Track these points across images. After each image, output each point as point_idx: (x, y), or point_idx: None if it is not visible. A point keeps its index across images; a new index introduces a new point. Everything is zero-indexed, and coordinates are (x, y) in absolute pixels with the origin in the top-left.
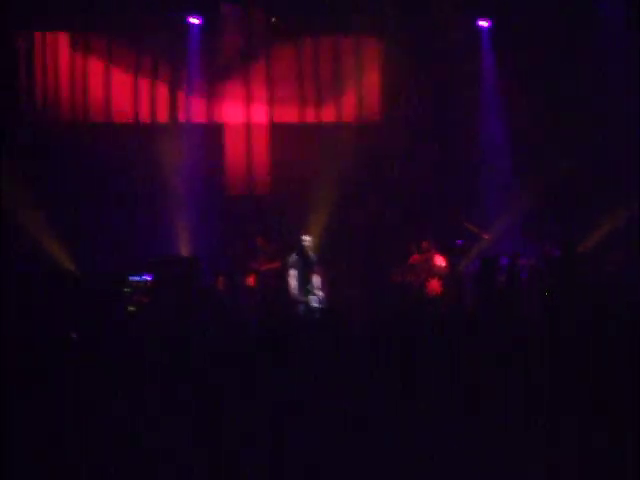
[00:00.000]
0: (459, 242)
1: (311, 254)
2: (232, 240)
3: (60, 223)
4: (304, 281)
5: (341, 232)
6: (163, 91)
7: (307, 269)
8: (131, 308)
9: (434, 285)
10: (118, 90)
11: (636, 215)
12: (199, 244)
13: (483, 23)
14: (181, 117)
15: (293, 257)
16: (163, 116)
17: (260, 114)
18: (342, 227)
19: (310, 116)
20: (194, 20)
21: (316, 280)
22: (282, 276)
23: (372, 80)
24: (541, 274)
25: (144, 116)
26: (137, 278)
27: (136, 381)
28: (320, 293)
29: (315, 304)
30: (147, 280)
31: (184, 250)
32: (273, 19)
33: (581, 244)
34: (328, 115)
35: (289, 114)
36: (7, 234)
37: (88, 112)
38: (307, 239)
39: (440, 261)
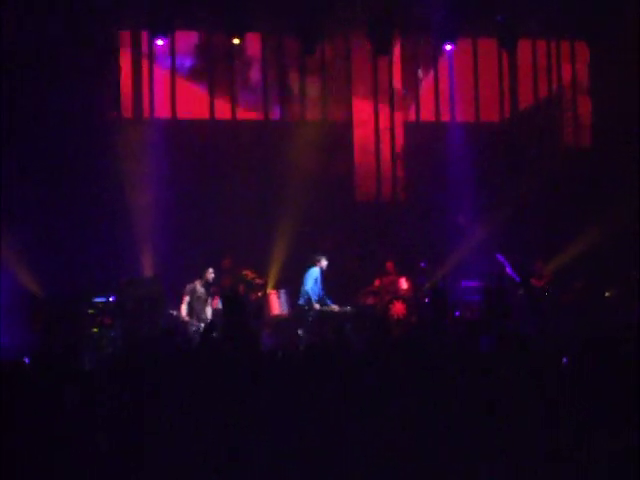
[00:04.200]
0: (422, 264)
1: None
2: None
3: (24, 242)
4: (198, 308)
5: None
6: None
7: (203, 298)
8: (94, 329)
9: (398, 308)
10: None
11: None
12: (166, 263)
13: None
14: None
15: (191, 285)
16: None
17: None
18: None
19: None
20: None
21: (208, 310)
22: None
23: None
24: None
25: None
26: (101, 299)
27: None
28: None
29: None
30: (111, 301)
31: (148, 270)
32: None
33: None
34: None
35: None
36: None
37: None
38: None
39: (404, 284)
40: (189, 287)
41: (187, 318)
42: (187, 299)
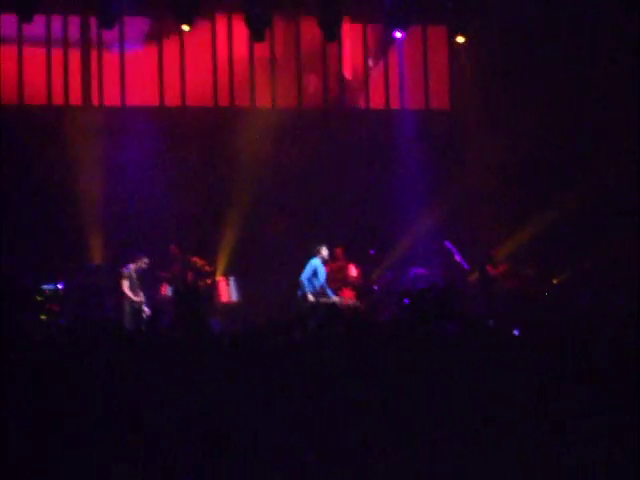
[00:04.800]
0: (372, 252)
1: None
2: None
3: None
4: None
5: (253, 242)
6: None
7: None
8: (43, 316)
9: (347, 294)
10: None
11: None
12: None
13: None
14: None
15: (127, 271)
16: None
17: None
18: (255, 237)
19: None
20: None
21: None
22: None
23: None
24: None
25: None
26: (49, 287)
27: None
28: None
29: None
30: (59, 288)
31: (97, 258)
32: None
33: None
34: None
35: None
36: None
37: None
38: None
39: (353, 271)
40: (125, 273)
41: (137, 298)
42: (127, 284)
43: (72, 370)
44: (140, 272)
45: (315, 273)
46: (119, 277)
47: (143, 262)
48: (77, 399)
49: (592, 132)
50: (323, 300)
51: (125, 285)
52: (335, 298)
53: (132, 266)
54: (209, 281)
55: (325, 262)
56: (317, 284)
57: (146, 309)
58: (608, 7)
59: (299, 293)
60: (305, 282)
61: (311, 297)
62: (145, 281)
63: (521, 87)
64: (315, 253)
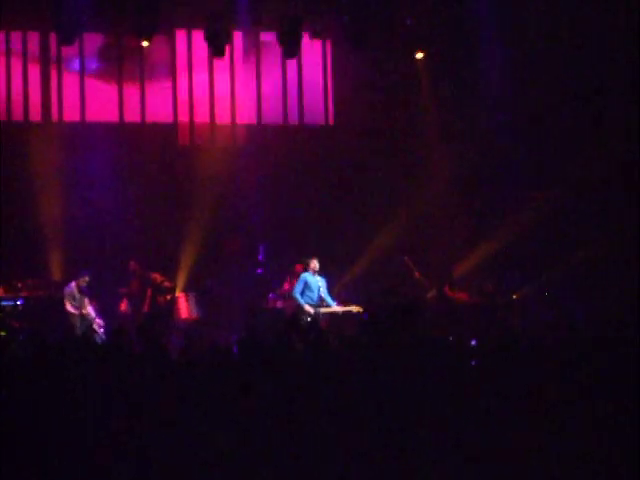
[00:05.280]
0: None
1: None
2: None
3: None
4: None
5: (217, 258)
6: None
7: (82, 298)
8: (2, 332)
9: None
10: None
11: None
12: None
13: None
14: None
15: (69, 290)
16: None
17: None
18: (218, 252)
19: None
20: None
21: (92, 310)
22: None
23: None
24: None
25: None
26: (9, 303)
27: None
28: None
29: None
30: (18, 304)
31: (56, 274)
32: None
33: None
34: None
35: None
36: None
37: None
38: None
39: None
40: (67, 291)
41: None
42: (69, 302)
43: (34, 387)
44: (84, 290)
45: (307, 285)
46: (62, 296)
47: (84, 280)
48: (39, 416)
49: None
50: (323, 310)
51: (68, 304)
52: (336, 307)
53: (74, 284)
54: (169, 297)
55: (316, 273)
56: (313, 296)
57: (97, 324)
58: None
59: (296, 307)
60: (297, 296)
61: (309, 308)
62: (102, 297)
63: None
64: (305, 266)
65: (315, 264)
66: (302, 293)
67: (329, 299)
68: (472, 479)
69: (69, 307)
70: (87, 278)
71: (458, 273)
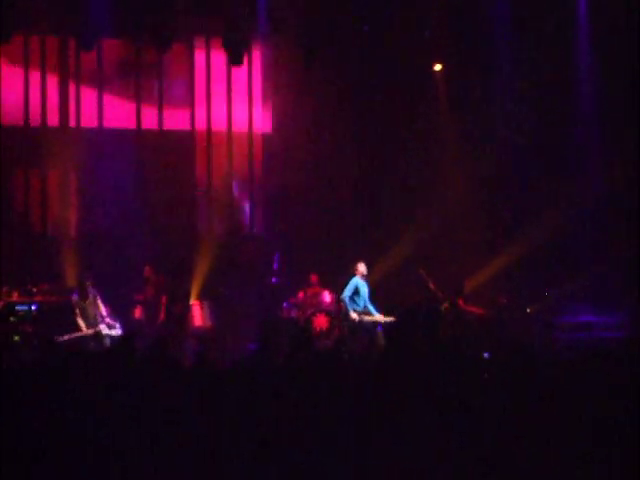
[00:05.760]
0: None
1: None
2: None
3: None
4: (91, 315)
5: (232, 266)
6: None
7: (89, 304)
8: (16, 337)
9: (321, 321)
10: None
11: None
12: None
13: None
14: None
15: (73, 297)
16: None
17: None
18: (233, 261)
19: None
20: None
21: (104, 310)
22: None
23: None
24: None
25: None
26: (23, 307)
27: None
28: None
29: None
30: (32, 309)
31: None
32: None
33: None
34: None
35: None
36: None
37: None
38: None
39: (327, 297)
40: (75, 300)
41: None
42: (78, 311)
43: (47, 392)
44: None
45: (357, 291)
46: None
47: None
48: (52, 421)
49: None
50: (367, 318)
51: (77, 313)
52: (378, 316)
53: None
54: (183, 305)
55: (365, 278)
56: (360, 302)
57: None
58: None
59: (342, 311)
60: (346, 300)
61: (354, 315)
62: (116, 303)
63: None
64: (354, 271)
65: (363, 268)
66: (351, 297)
67: (371, 307)
68: None
69: (77, 316)
70: (89, 282)
71: (472, 286)
